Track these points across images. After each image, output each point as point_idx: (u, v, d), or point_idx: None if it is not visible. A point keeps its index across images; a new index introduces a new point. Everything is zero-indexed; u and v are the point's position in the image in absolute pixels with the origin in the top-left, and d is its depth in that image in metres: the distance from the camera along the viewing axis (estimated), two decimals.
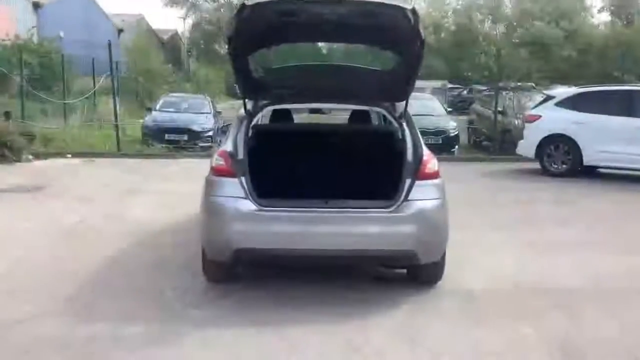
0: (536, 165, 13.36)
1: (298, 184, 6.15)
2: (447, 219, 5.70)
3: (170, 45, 49.06)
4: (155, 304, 5.51)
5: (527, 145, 13.39)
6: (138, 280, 6.14)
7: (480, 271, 6.50)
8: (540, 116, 13.21)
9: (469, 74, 20.87)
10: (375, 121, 7.54)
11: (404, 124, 5.87)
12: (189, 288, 5.89)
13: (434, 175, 5.65)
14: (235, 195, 5.45)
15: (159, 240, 7.73)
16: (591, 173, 12.91)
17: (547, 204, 10.26)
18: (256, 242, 5.37)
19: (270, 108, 6.16)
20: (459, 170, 12.51)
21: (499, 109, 16.39)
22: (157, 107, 17.15)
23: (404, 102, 5.95)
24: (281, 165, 6.39)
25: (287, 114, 7.12)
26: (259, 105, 6.01)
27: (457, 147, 16.35)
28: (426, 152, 5.68)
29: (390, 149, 6.03)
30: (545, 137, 12.96)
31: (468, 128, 18.72)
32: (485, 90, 20.47)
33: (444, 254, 5.78)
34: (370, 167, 6.38)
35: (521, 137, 14.34)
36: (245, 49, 5.60)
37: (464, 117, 21.29)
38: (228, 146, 5.65)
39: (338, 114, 11.19)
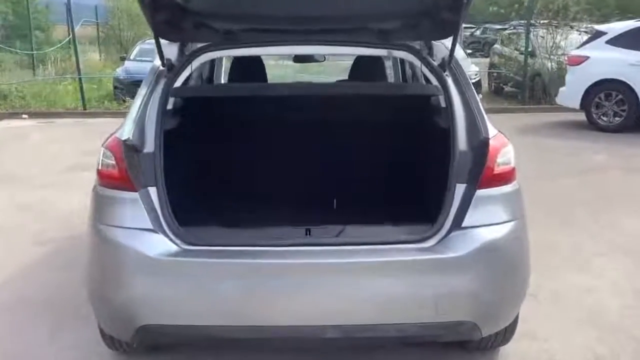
0: (579, 116, 10.67)
1: (257, 198, 3.46)
2: (529, 256, 3.02)
3: None
4: None
5: (570, 94, 10.61)
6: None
7: (569, 316, 3.85)
8: (587, 57, 10.35)
9: (495, 8, 17.65)
10: (391, 76, 4.75)
11: (450, 81, 3.11)
12: None
13: (508, 176, 2.93)
14: (136, 225, 2.78)
15: (78, 250, 5.10)
16: None
17: (614, 174, 7.53)
18: (177, 315, 2.72)
19: (210, 56, 3.35)
20: None
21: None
22: (132, 56, 14.21)
23: (452, 38, 3.15)
24: (227, 163, 3.68)
25: (255, 64, 4.32)
26: (186, 50, 3.26)
27: (480, 95, 13.46)
28: (493, 132, 2.94)
29: (424, 129, 3.31)
30: (593, 84, 10.24)
31: (489, 73, 15.73)
32: (508, 27, 17.37)
33: None
34: (389, 163, 3.65)
35: (555, 82, 11.61)
36: None
37: (480, 60, 18.32)
38: (125, 130, 2.92)
39: (342, 60, 8.12)
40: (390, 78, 4.85)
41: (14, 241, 5.24)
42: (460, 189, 2.85)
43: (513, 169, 2.94)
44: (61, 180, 7.50)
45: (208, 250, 2.76)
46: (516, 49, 14.49)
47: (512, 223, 2.87)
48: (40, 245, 5.14)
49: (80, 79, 12.92)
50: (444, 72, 3.14)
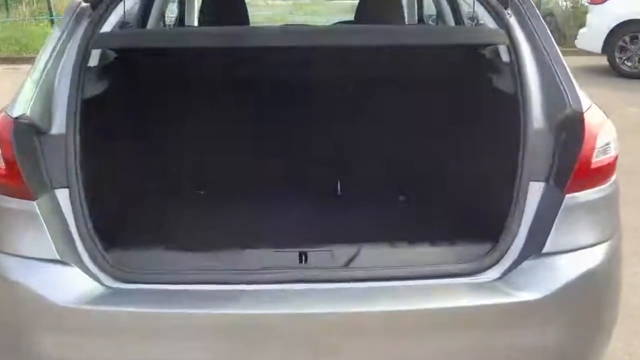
0: (599, 61, 9.54)
1: (226, 204, 2.43)
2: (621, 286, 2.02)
3: None
4: None
5: (591, 36, 9.51)
6: None
7: None
8: None
9: None
10: (408, 14, 3.64)
11: (516, 24, 2.04)
12: None
13: (609, 170, 1.89)
14: (35, 252, 1.76)
15: None
16: None
17: None
18: None
19: None
20: None
21: None
22: None
23: None
24: (182, 151, 2.62)
25: (233, 1, 3.17)
26: None
27: None
28: (587, 103, 1.89)
29: (476, 96, 2.26)
30: (618, 25, 9.12)
31: None
32: None
33: None
34: (423, 150, 2.58)
35: (569, 23, 10.52)
36: None
37: None
38: (20, 101, 1.85)
39: None
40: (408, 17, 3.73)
41: None
42: (536, 190, 1.84)
43: (615, 160, 1.92)
44: None
45: (151, 292, 1.75)
46: None
47: (609, 242, 1.87)
48: None
49: (52, 20, 11.62)
50: (506, 9, 2.06)
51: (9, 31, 12.68)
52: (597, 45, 9.34)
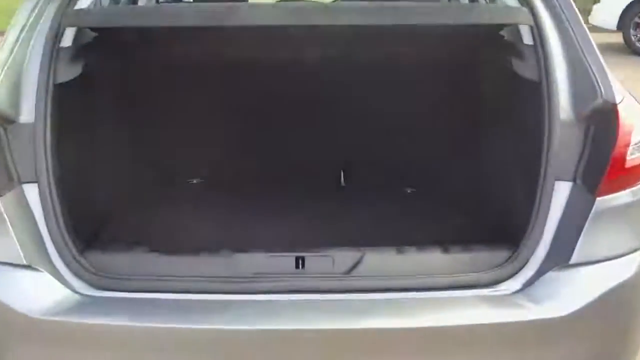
0: (616, 38, 9.19)
1: (214, 201, 2.23)
2: None
3: None
4: None
5: (605, 12, 9.21)
6: None
7: None
8: None
9: None
10: None
11: (539, 3, 1.82)
12: None
13: None
14: (0, 258, 1.56)
15: None
16: None
17: None
18: None
19: None
20: None
21: None
22: None
23: None
24: (166, 141, 2.43)
25: None
26: None
27: None
28: (620, 93, 1.67)
29: (494, 83, 2.05)
30: (634, 1, 8.79)
31: None
32: None
33: None
34: (435, 142, 2.38)
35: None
36: None
37: None
38: None
39: None
40: None
41: None
42: (562, 191, 1.64)
43: None
44: None
45: (130, 302, 1.57)
46: None
47: None
48: None
49: None
50: None
51: (5, 2, 12.40)
52: (612, 22, 9.06)
